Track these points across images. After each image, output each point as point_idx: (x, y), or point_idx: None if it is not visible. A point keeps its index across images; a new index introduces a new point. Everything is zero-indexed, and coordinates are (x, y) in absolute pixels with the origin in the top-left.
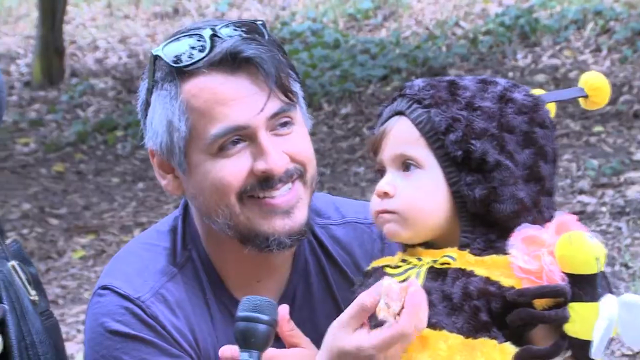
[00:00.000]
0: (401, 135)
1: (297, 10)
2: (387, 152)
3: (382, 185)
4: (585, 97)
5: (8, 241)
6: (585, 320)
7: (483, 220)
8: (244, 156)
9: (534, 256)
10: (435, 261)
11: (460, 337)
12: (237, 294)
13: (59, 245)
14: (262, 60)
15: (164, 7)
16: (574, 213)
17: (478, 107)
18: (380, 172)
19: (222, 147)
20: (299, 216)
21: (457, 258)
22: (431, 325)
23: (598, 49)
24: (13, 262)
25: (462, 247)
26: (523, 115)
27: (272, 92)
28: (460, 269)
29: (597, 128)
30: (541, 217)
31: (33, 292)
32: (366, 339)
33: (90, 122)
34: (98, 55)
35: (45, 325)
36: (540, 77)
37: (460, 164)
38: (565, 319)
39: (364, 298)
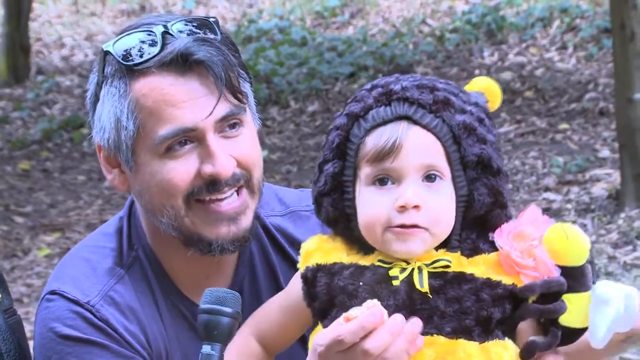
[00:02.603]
0: (423, 144)
1: (264, 8)
2: (410, 162)
3: (411, 197)
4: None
5: None
6: (580, 310)
7: (470, 223)
8: (192, 158)
9: (524, 251)
10: (427, 265)
11: (476, 343)
12: (185, 291)
13: (24, 244)
14: (213, 63)
15: (131, 4)
16: None
17: (468, 111)
18: (380, 181)
19: (169, 147)
20: (244, 223)
21: (452, 260)
22: (446, 334)
23: (564, 47)
24: None
25: (451, 249)
26: (488, 118)
27: (222, 96)
28: (460, 272)
29: (563, 125)
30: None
31: None
32: (317, 335)
33: (56, 119)
34: (64, 53)
35: (8, 322)
36: (507, 75)
37: (469, 169)
38: (564, 310)
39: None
